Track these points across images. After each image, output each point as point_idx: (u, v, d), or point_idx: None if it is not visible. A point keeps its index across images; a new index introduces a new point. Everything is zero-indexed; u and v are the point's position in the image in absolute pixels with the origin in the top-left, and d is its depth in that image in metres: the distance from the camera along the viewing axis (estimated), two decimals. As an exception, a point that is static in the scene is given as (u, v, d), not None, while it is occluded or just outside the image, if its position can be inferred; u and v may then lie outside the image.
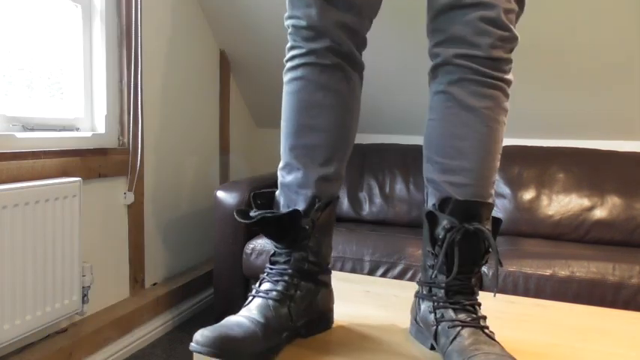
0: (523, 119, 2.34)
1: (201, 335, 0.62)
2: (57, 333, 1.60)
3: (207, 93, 2.49)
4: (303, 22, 0.74)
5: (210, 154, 2.55)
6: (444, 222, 0.71)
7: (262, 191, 0.77)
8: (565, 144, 2.37)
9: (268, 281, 0.74)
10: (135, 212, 1.96)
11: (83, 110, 1.77)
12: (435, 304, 0.73)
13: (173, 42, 2.18)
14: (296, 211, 0.72)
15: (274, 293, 0.71)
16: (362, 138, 2.72)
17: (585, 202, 2.06)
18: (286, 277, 0.73)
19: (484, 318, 0.71)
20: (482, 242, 0.70)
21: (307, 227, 0.74)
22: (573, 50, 2.02)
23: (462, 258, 0.70)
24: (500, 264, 0.70)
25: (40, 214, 1.42)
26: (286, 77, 0.78)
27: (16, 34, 1.55)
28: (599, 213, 2.03)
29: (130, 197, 1.91)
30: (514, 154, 2.24)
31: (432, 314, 0.73)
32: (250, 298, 0.73)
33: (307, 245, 0.75)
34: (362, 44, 0.80)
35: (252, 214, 0.72)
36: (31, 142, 1.51)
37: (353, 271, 1.79)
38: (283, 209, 0.76)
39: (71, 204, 1.52)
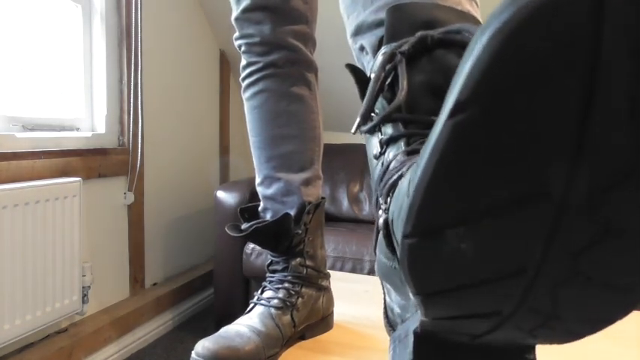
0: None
1: (202, 347, 0.61)
2: (57, 333, 1.60)
3: (207, 93, 2.49)
4: (256, 39, 0.74)
5: (210, 154, 2.55)
6: (379, 56, 0.41)
7: (248, 205, 0.77)
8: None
9: (270, 289, 0.73)
10: (135, 212, 1.96)
11: (83, 110, 1.77)
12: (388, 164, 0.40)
13: (173, 42, 2.18)
14: (287, 215, 0.73)
15: (276, 301, 0.71)
16: (361, 138, 2.71)
17: (585, 202, 2.06)
18: (287, 285, 0.73)
19: None
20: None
21: (300, 232, 0.74)
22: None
23: (422, 86, 0.38)
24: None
25: (40, 214, 1.42)
26: (247, 94, 0.78)
27: (16, 33, 1.55)
28: (599, 213, 2.03)
29: (130, 197, 1.91)
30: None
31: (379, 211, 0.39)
32: (252, 305, 0.73)
33: (303, 250, 0.75)
34: (314, 47, 0.81)
35: (243, 227, 0.73)
36: (31, 142, 1.51)
37: (353, 271, 1.78)
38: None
39: (71, 204, 1.52)
